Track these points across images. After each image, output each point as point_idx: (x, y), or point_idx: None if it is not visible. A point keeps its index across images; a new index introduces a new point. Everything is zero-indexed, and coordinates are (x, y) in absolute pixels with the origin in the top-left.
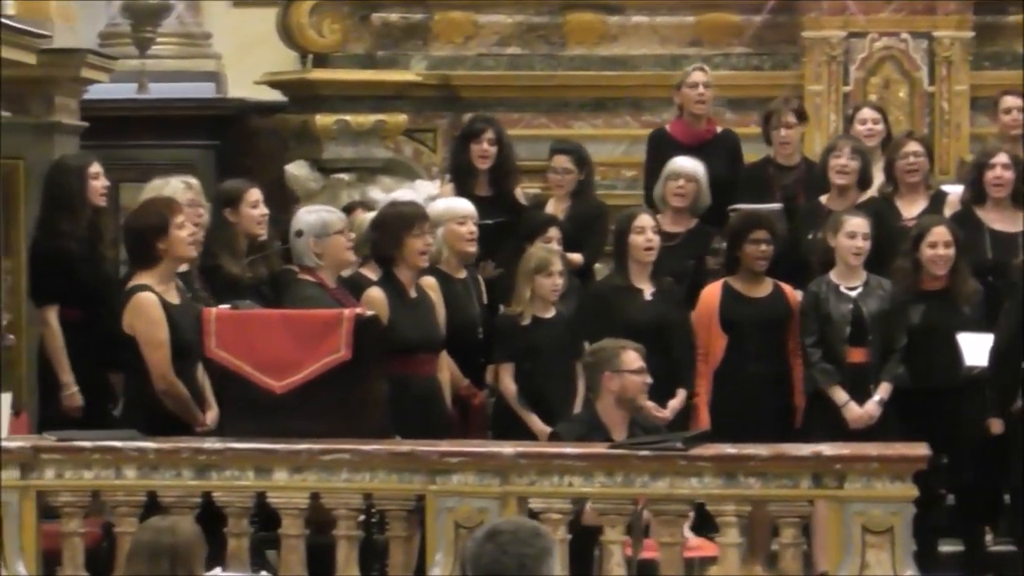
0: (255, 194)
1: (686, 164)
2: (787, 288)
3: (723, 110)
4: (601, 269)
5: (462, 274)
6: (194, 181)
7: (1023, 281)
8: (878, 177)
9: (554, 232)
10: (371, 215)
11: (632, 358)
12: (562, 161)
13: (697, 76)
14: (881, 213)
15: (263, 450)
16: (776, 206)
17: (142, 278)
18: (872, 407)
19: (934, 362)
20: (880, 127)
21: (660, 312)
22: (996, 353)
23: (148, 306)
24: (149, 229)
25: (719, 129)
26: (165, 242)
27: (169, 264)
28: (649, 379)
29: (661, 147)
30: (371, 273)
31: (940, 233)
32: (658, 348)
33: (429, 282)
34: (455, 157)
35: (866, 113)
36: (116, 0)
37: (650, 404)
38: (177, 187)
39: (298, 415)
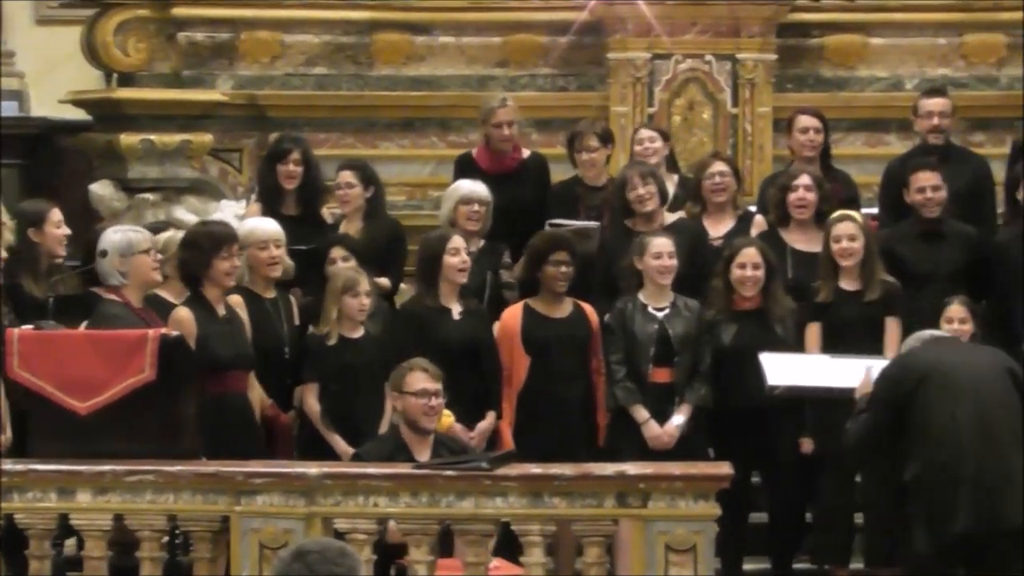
0: (57, 214)
1: (477, 188)
2: (587, 307)
3: (530, 131)
4: (407, 289)
5: (271, 294)
6: None
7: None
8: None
9: (337, 252)
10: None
11: (416, 379)
12: (345, 176)
13: (501, 115)
14: (693, 233)
15: (66, 472)
16: (593, 224)
17: None
18: (672, 427)
19: (747, 382)
20: (658, 145)
21: (469, 331)
22: None
23: None
24: None
25: (526, 153)
26: None
27: None
28: (436, 402)
29: (467, 174)
30: (170, 295)
31: (749, 254)
32: (469, 368)
33: (235, 300)
34: (262, 178)
35: (643, 133)
36: None
37: (458, 427)
38: None
39: (106, 436)
